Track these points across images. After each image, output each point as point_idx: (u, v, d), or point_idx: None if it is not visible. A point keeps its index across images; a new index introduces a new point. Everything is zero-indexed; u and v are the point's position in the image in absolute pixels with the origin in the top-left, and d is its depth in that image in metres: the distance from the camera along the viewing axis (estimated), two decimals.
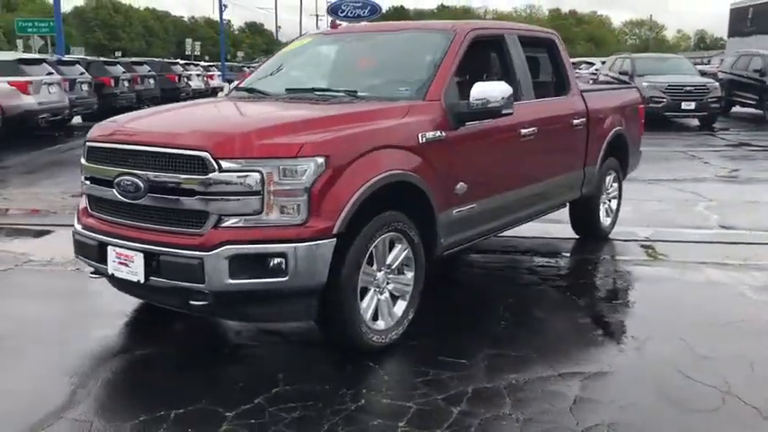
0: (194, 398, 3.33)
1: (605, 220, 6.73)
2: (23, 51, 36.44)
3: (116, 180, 3.69)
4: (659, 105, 16.65)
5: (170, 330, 4.33)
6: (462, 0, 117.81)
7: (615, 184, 6.86)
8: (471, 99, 4.29)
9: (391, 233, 3.90)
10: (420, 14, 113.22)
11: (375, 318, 3.93)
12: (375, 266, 3.88)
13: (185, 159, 3.47)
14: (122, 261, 3.68)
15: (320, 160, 3.46)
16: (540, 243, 6.66)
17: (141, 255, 3.58)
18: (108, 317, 4.44)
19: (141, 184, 3.59)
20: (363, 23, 6.92)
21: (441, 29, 4.85)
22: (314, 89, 4.64)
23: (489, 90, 4.30)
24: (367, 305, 3.84)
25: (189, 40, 49.62)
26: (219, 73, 32.11)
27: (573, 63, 24.70)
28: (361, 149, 3.66)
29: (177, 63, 25.88)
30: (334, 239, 3.51)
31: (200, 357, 3.91)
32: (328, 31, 5.71)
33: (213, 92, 29.38)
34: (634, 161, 7.24)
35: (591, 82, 17.77)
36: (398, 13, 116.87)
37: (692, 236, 6.89)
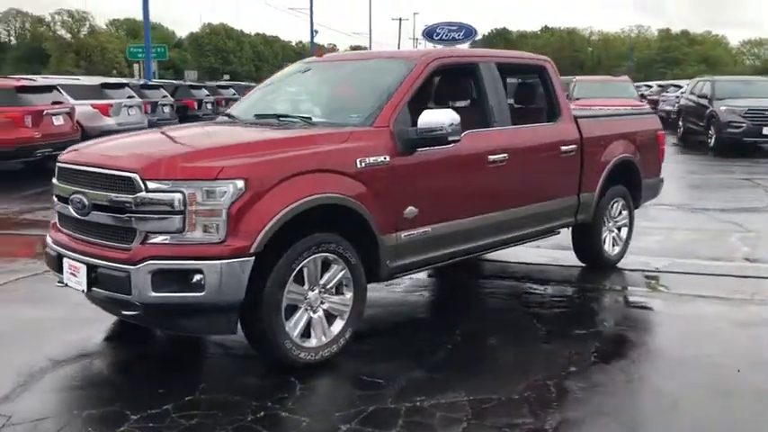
0: (112, 400, 3.61)
1: (611, 249, 6.58)
2: (138, 76, 39.28)
3: (70, 197, 4.05)
4: (738, 131, 15.92)
5: (128, 338, 4.63)
6: (567, 20, 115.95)
7: (624, 213, 6.70)
8: (418, 126, 4.40)
9: (323, 254, 4.05)
10: (523, 36, 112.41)
11: (307, 335, 4.08)
12: (306, 286, 4.04)
13: (119, 180, 3.78)
14: (72, 272, 4.03)
15: (239, 183, 3.68)
16: (540, 269, 6.60)
17: (85, 267, 3.91)
18: (75, 323, 4.77)
19: (87, 202, 3.92)
20: (348, 52, 7.13)
21: (404, 57, 4.99)
22: (277, 115, 4.88)
23: (436, 117, 4.39)
24: (295, 323, 4.00)
25: (286, 64, 51.32)
26: None
27: (660, 85, 24.06)
28: (285, 173, 3.85)
29: (160, 87, 26.75)
30: (252, 258, 3.70)
31: (141, 363, 4.20)
32: (312, 59, 5.94)
33: None
34: (650, 190, 7.04)
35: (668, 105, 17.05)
36: (500, 36, 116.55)
37: (708, 268, 6.61)
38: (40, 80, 14.51)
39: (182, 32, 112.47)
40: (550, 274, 6.43)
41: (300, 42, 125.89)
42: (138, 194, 3.68)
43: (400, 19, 76.24)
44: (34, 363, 4.09)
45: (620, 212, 6.66)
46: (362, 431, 3.31)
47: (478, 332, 4.83)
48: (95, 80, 17.61)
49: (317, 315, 4.13)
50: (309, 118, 4.69)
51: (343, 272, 4.18)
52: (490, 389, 3.80)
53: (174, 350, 4.49)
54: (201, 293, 3.64)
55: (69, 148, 4.50)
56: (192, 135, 4.75)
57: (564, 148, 5.73)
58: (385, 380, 3.91)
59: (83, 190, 3.98)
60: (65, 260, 4.10)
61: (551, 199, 5.71)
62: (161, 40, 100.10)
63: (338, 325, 4.21)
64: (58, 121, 12.50)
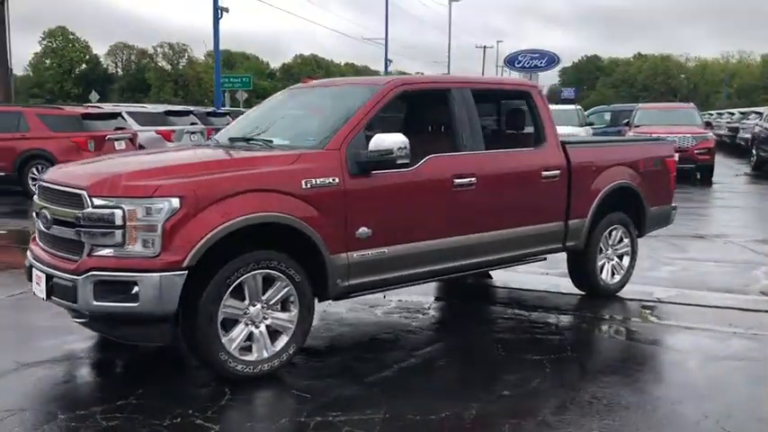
0: (51, 400, 3.87)
1: (609, 278, 6.43)
2: (230, 104, 41.22)
3: (39, 212, 4.40)
4: None
5: (105, 345, 4.91)
6: (661, 47, 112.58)
7: (626, 240, 6.54)
8: (369, 149, 4.52)
9: (265, 270, 4.21)
10: (614, 62, 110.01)
11: (249, 349, 4.24)
12: (247, 301, 4.21)
13: (72, 196, 4.09)
14: (37, 281, 4.36)
15: (174, 201, 3.90)
16: (538, 296, 6.53)
17: (44, 276, 4.23)
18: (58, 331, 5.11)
19: (49, 216, 4.25)
20: (330, 79, 7.31)
21: (372, 84, 5.12)
22: (246, 139, 5.11)
23: (386, 141, 4.50)
24: (234, 336, 4.17)
25: None
26: None
27: (742, 112, 23.03)
28: (222, 193, 4.05)
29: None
30: (184, 272, 3.90)
31: (99, 369, 4.48)
32: (298, 85, 6.17)
33: None
34: (659, 218, 6.85)
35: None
36: (591, 62, 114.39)
37: (715, 300, 6.35)
38: (106, 108, 15.47)
39: (276, 63, 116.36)
40: (544, 301, 6.35)
41: (389, 72, 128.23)
42: (86, 210, 3.96)
43: (484, 47, 75.80)
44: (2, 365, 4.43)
45: (621, 240, 6.51)
46: None
47: (435, 354, 4.86)
48: (160, 107, 18.65)
49: (259, 330, 4.28)
50: (271, 141, 4.90)
51: (287, 289, 4.33)
52: (414, 409, 3.84)
53: (141, 357, 4.72)
54: (136, 304, 3.87)
55: (50, 168, 4.88)
56: (151, 156, 5.02)
57: (546, 173, 5.69)
58: (312, 395, 4.02)
59: (47, 205, 4.32)
60: (33, 270, 4.44)
61: (532, 224, 5.66)
62: (254, 71, 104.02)
63: (282, 341, 4.35)
64: (120, 145, 13.30)
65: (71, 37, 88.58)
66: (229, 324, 4.18)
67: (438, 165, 5.04)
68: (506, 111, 5.85)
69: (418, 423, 3.68)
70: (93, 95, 46.64)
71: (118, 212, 3.89)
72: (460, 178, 5.09)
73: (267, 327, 4.32)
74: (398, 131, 4.71)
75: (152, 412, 3.73)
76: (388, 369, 4.51)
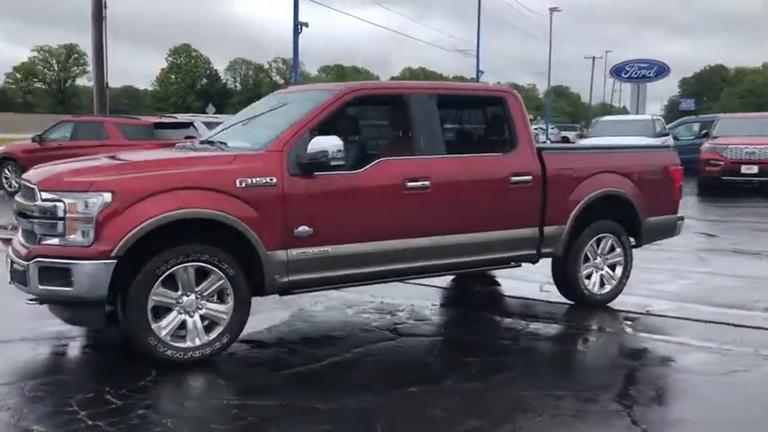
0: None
1: (597, 287, 6.29)
2: None
3: (15, 206, 4.91)
4: None
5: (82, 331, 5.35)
6: None
7: (618, 250, 6.38)
8: (307, 151, 4.73)
9: (196, 263, 4.50)
10: (741, 72, 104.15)
11: (181, 336, 4.54)
12: (180, 291, 4.51)
13: (29, 191, 4.56)
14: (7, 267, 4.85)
15: (107, 195, 4.27)
16: (525, 303, 6.50)
17: (9, 262, 4.72)
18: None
19: (16, 209, 4.75)
20: (302, 85, 7.48)
21: (328, 89, 5.32)
22: (211, 141, 5.45)
23: (322, 144, 4.70)
24: (166, 323, 4.48)
25: None
26: None
27: None
28: (153, 189, 4.38)
29: None
30: (113, 261, 4.26)
31: (59, 349, 4.90)
32: (279, 91, 6.45)
33: None
34: (659, 228, 6.64)
35: None
36: (715, 72, 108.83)
37: (709, 315, 6.06)
38: (180, 117, 16.44)
39: (385, 77, 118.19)
40: (526, 309, 6.32)
41: (498, 83, 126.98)
42: (36, 203, 4.41)
43: (593, 57, 73.77)
44: None
45: (612, 250, 6.35)
46: (150, 416, 3.68)
47: (374, 351, 4.98)
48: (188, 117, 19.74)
49: (193, 319, 4.57)
50: (225, 143, 5.21)
51: (221, 282, 4.59)
52: (311, 399, 4.00)
53: (86, 341, 5.09)
54: (71, 288, 4.27)
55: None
56: (109, 157, 5.36)
57: (515, 179, 5.67)
58: (226, 380, 4.28)
59: (18, 200, 4.81)
60: (6, 258, 4.95)
61: (499, 229, 5.65)
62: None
63: (216, 331, 4.62)
64: None
65: (194, 54, 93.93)
66: (163, 311, 4.49)
67: (388, 168, 5.17)
68: (475, 117, 5.87)
69: (304, 411, 3.84)
70: (210, 108, 49.40)
71: (60, 205, 4.31)
72: (413, 181, 5.19)
73: (202, 317, 4.60)
74: (355, 135, 4.88)
75: (69, 387, 4.09)
76: (317, 362, 4.68)
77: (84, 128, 14.37)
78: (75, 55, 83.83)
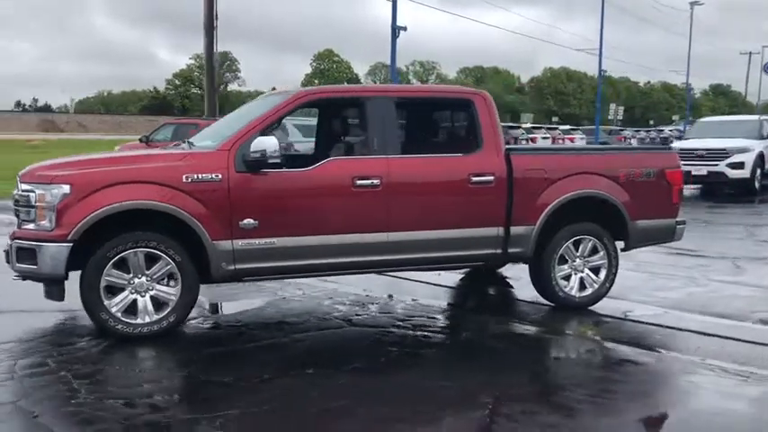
0: None
1: (576, 290, 6.23)
2: None
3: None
4: None
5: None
6: None
7: (601, 253, 6.28)
8: (249, 150, 5.16)
9: (144, 249, 5.06)
10: None
11: (134, 313, 5.12)
12: (132, 273, 5.09)
13: (17, 183, 5.32)
14: None
15: (65, 187, 4.93)
16: (502, 303, 6.56)
17: (7, 244, 5.51)
18: None
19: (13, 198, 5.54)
20: (284, 88, 7.70)
21: (286, 94, 5.71)
22: (188, 141, 5.99)
23: (263, 143, 5.12)
24: (117, 301, 5.06)
25: (612, 105, 50.61)
26: (582, 136, 32.44)
27: None
28: (106, 182, 4.98)
29: (519, 127, 27.61)
30: (69, 244, 4.90)
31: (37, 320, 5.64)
32: (264, 94, 6.88)
33: None
34: (650, 232, 6.45)
35: None
36: None
37: (691, 323, 5.84)
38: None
39: (527, 77, 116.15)
40: (498, 308, 6.39)
41: (648, 82, 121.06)
42: (17, 192, 5.16)
43: (750, 53, 68.49)
44: None
45: (594, 252, 6.27)
46: (84, 384, 4.23)
47: (314, 338, 5.31)
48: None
49: (144, 299, 5.14)
50: (192, 143, 5.75)
51: (168, 267, 5.13)
52: (216, 374, 4.43)
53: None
54: (36, 267, 4.96)
55: None
56: (86, 155, 6.02)
57: (476, 179, 5.78)
58: (153, 359, 4.80)
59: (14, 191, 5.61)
60: None
61: (458, 227, 5.78)
62: (502, 86, 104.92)
63: (164, 311, 5.16)
64: None
65: (336, 59, 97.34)
66: (117, 291, 5.09)
67: (337, 166, 5.49)
68: (439, 119, 6.03)
69: (199, 383, 4.28)
70: None
71: (32, 195, 5.02)
72: (363, 180, 5.47)
73: (152, 297, 5.16)
74: (311, 136, 5.25)
75: (35, 351, 4.77)
76: (250, 343, 5.11)
77: (182, 129, 15.66)
78: (228, 62, 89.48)
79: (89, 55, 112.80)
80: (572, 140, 30.55)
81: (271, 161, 5.12)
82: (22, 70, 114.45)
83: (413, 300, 6.53)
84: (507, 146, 6.15)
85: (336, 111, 5.83)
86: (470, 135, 5.98)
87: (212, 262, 5.20)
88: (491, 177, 5.83)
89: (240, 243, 5.24)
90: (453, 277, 7.36)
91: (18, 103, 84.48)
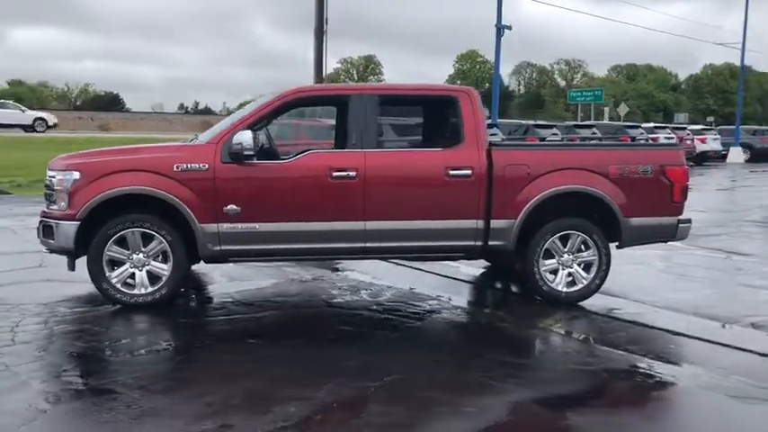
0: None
1: (562, 285, 6.27)
2: (609, 118, 41.77)
3: None
4: None
5: None
6: None
7: (591, 249, 6.29)
8: (232, 142, 5.75)
9: (140, 229, 5.79)
10: None
11: (130, 285, 5.87)
12: (130, 249, 5.84)
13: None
14: None
15: (76, 174, 5.76)
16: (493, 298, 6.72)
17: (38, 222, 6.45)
18: None
19: None
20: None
21: (277, 92, 6.22)
22: (196, 136, 6.67)
23: (241, 137, 5.69)
24: (117, 273, 5.83)
25: None
26: (716, 136, 30.32)
27: None
28: (108, 170, 5.76)
29: (638, 126, 26.38)
30: (77, 222, 5.72)
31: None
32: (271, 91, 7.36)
33: (697, 156, 28.37)
34: (645, 230, 6.35)
35: None
36: None
37: (673, 324, 5.74)
38: None
39: (684, 75, 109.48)
40: (487, 302, 6.56)
41: None
42: (47, 177, 6.08)
43: None
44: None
45: (583, 248, 6.29)
46: (66, 338, 5.04)
47: (276, 314, 5.80)
48: None
49: (141, 273, 5.87)
50: (196, 137, 6.41)
51: (161, 245, 5.83)
52: (193, 340, 5.07)
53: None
54: (53, 241, 5.84)
55: None
56: (105, 148, 6.81)
57: (454, 172, 6.01)
58: (131, 323, 5.51)
59: None
60: None
61: (435, 218, 6.04)
62: (656, 84, 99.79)
63: (158, 284, 5.87)
64: None
65: (479, 59, 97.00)
66: (119, 265, 5.86)
67: (315, 159, 5.96)
68: (421, 115, 6.29)
69: (173, 350, 4.91)
70: (495, 113, 51.82)
71: (54, 180, 5.91)
72: (339, 171, 5.89)
73: (148, 272, 5.88)
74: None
75: (39, 312, 5.63)
76: (223, 316, 5.70)
77: (285, 129, 16.71)
78: (372, 65, 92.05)
79: (246, 60, 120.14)
80: (702, 141, 28.82)
81: (247, 153, 5.67)
82: (186, 74, 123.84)
83: (410, 288, 6.83)
84: (494, 141, 6.32)
85: (321, 108, 6.27)
86: (452, 130, 6.21)
87: (200, 243, 5.83)
88: (469, 171, 6.03)
89: (225, 227, 5.84)
90: (474, 272, 7.55)
91: (181, 106, 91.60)
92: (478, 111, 6.20)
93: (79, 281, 6.23)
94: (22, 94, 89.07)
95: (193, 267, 7.11)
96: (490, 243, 6.17)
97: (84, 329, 5.23)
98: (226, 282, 6.95)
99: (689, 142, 27.91)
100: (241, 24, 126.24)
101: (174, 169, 5.77)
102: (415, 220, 6.03)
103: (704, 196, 16.53)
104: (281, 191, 5.91)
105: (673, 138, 27.37)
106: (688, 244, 9.19)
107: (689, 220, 6.50)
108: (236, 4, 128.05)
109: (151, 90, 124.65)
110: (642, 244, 6.60)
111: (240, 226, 5.85)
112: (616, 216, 6.23)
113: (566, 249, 6.28)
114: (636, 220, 6.28)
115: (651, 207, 6.33)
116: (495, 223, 6.12)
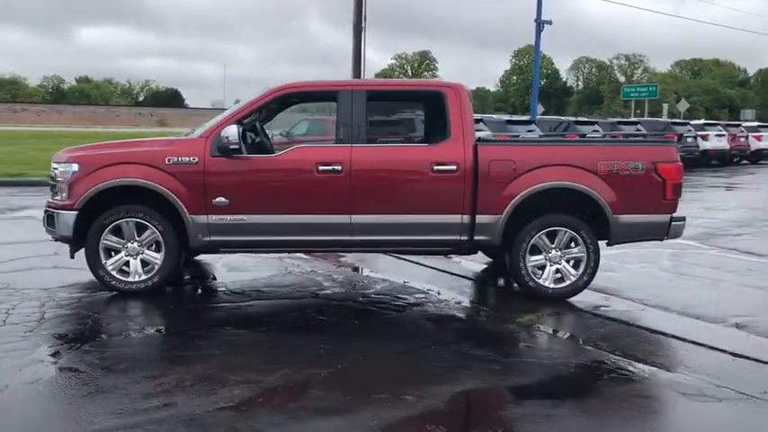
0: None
1: (549, 281, 6.28)
2: (668, 114, 40.73)
3: None
4: None
5: None
6: None
7: (581, 246, 6.26)
8: (220, 136, 5.95)
9: (134, 219, 6.05)
10: None
11: (126, 272, 6.14)
12: (125, 238, 6.11)
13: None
14: None
15: (75, 166, 6.06)
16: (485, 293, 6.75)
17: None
18: None
19: None
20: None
21: (268, 87, 6.39)
22: (192, 130, 6.89)
23: (228, 132, 5.88)
24: (113, 261, 6.11)
25: None
26: None
27: None
28: (103, 162, 6.03)
29: (687, 123, 25.60)
30: (75, 212, 6.02)
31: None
32: None
33: (752, 155, 27.40)
34: (635, 227, 6.28)
35: None
36: None
37: (656, 322, 5.69)
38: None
39: (755, 69, 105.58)
40: (475, 296, 6.60)
41: None
42: (52, 169, 6.41)
43: None
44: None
45: (572, 244, 6.27)
46: (59, 322, 5.34)
47: (261, 304, 5.98)
48: (504, 117, 21.06)
49: (135, 261, 6.14)
50: (193, 131, 6.64)
51: (154, 235, 6.09)
52: (155, 325, 5.28)
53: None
54: (54, 229, 6.17)
55: None
56: (107, 141, 7.08)
57: (439, 167, 6.08)
58: (147, 308, 5.77)
59: None
60: None
61: (420, 213, 6.11)
62: (722, 79, 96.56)
63: (151, 272, 6.13)
64: None
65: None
66: (115, 252, 6.14)
67: (302, 153, 6.12)
68: (408, 111, 6.36)
69: (149, 335, 5.14)
70: (539, 108, 51.22)
71: (56, 171, 6.23)
72: (325, 166, 6.03)
73: (142, 260, 6.15)
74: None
75: (43, 294, 5.96)
76: (210, 304, 5.91)
77: (314, 125, 16.97)
78: (427, 61, 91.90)
79: (302, 57, 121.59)
80: (758, 138, 27.80)
81: (232, 147, 5.86)
82: (244, 72, 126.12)
83: (404, 282, 6.92)
84: (480, 137, 6.36)
85: (310, 103, 6.41)
86: (438, 126, 6.27)
87: (190, 233, 6.06)
88: (454, 167, 6.09)
89: (214, 218, 6.05)
90: (476, 268, 7.60)
91: (238, 102, 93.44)
92: (466, 107, 6.24)
93: (86, 268, 6.53)
94: (89, 90, 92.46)
95: (199, 257, 7.43)
96: (476, 238, 6.21)
97: (75, 314, 5.50)
98: (225, 272, 7.18)
99: (742, 140, 27.01)
100: (297, 22, 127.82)
101: (167, 162, 6.00)
102: (400, 214, 6.12)
103: (741, 195, 16.07)
104: (268, 184, 6.08)
105: (724, 135, 26.63)
106: (704, 243, 9.09)
107: (683, 218, 6.39)
108: (292, 2, 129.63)
109: (211, 87, 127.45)
110: (633, 241, 6.55)
111: (228, 218, 6.05)
112: (605, 213, 6.19)
113: (553, 246, 6.27)
114: (625, 218, 6.22)
115: (642, 204, 6.26)
116: (480, 218, 6.15)
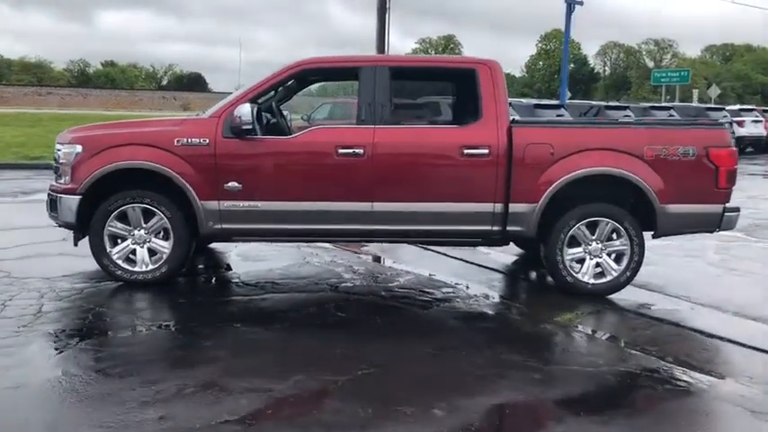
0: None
1: (588, 276, 5.77)
2: (698, 100, 39.56)
3: None
4: None
5: None
6: None
7: (623, 238, 5.73)
8: (233, 116, 5.49)
9: (141, 205, 5.63)
10: None
11: (132, 261, 5.73)
12: (131, 225, 5.69)
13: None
14: None
15: (78, 147, 5.64)
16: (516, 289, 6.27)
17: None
18: None
19: None
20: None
21: (286, 64, 5.91)
22: (203, 110, 6.43)
23: (240, 110, 5.42)
24: (118, 249, 5.70)
25: None
26: None
27: None
28: (109, 144, 5.60)
29: (722, 109, 24.71)
30: (79, 197, 5.61)
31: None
32: None
33: None
34: (685, 218, 5.74)
35: None
36: None
37: (711, 324, 5.18)
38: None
39: None
40: (503, 292, 6.12)
41: None
42: (56, 150, 6.00)
43: None
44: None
45: (614, 236, 5.74)
46: (57, 312, 4.95)
47: (272, 297, 5.53)
48: (533, 101, 20.39)
49: (142, 249, 5.72)
50: (205, 110, 6.18)
51: (162, 222, 5.66)
52: (165, 318, 4.87)
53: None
54: (57, 214, 5.76)
55: None
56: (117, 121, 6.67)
57: (469, 151, 5.57)
58: (129, 297, 5.35)
59: None
60: None
61: (445, 201, 5.61)
62: (755, 64, 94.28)
63: (159, 261, 5.70)
64: None
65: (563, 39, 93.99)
66: (121, 240, 5.72)
67: (320, 135, 5.64)
68: (436, 89, 5.85)
69: (152, 332, 4.73)
70: (566, 94, 50.24)
71: (60, 153, 5.82)
72: (345, 149, 5.55)
73: (149, 249, 5.73)
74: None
75: (42, 283, 5.58)
76: (222, 297, 5.48)
77: (337, 108, 16.50)
78: (452, 45, 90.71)
79: (326, 41, 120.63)
80: None
81: (245, 127, 5.40)
82: (266, 56, 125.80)
83: (429, 275, 6.44)
84: (516, 119, 5.84)
85: (331, 81, 5.92)
86: (469, 106, 5.75)
87: (200, 220, 5.63)
88: (486, 150, 5.58)
89: (225, 204, 5.61)
90: (505, 260, 7.10)
91: None
92: (500, 85, 5.71)
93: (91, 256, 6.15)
94: (114, 74, 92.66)
95: (212, 245, 7.02)
96: (509, 228, 5.71)
97: (75, 307, 5.11)
98: (240, 261, 6.76)
99: None
100: (320, 6, 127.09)
101: (175, 144, 5.56)
102: (426, 202, 5.63)
103: None
104: (283, 168, 5.62)
105: (761, 120, 25.69)
106: (750, 235, 8.49)
107: (737, 209, 5.83)
108: None
109: (233, 72, 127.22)
110: (682, 234, 6.00)
111: (241, 204, 5.61)
112: (651, 202, 5.65)
113: (593, 237, 5.75)
114: (674, 208, 5.68)
115: (692, 193, 5.70)
116: (514, 207, 5.65)
